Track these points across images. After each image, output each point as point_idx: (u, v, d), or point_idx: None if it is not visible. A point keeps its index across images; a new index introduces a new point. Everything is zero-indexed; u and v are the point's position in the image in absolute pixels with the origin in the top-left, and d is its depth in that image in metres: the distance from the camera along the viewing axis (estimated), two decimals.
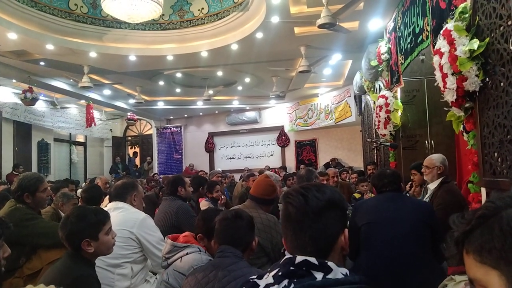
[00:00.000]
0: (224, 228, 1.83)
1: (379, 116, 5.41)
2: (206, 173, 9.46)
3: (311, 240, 1.02)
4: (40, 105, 10.65)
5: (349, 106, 10.34)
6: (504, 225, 0.60)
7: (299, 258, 1.00)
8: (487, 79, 2.56)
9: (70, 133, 13.10)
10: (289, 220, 1.07)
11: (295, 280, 0.96)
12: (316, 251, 1.01)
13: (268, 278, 1.02)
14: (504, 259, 0.59)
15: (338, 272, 0.97)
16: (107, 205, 2.65)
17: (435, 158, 3.54)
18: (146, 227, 2.51)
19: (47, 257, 2.53)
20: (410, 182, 4.20)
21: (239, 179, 9.17)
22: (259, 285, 1.02)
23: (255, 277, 1.07)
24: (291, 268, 0.99)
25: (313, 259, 0.98)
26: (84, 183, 9.73)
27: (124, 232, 2.38)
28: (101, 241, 1.85)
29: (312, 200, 1.04)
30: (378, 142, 5.42)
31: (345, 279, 0.95)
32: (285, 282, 0.97)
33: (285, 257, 1.04)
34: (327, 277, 0.95)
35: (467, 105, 2.81)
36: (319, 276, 0.95)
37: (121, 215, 2.48)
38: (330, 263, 0.98)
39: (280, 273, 1.00)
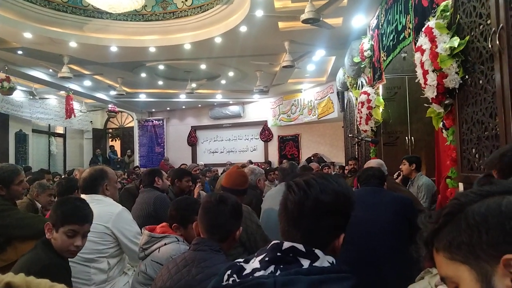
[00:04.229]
0: (205, 212, 1.71)
1: (361, 112, 5.46)
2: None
3: (304, 235, 1.01)
4: (18, 95, 10.40)
5: (332, 102, 10.40)
6: (470, 220, 0.61)
7: (286, 244, 0.99)
8: (467, 76, 2.61)
9: (49, 124, 12.82)
10: (286, 210, 1.05)
11: (281, 266, 0.96)
12: (307, 242, 1.00)
13: (255, 263, 1.00)
14: (472, 253, 0.60)
15: (325, 260, 0.96)
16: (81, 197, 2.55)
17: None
18: (122, 221, 2.42)
19: (22, 248, 2.46)
20: (398, 171, 4.33)
21: (222, 173, 9.15)
22: (245, 269, 1.01)
23: (242, 260, 1.06)
24: (278, 254, 0.98)
25: (300, 246, 0.98)
26: (64, 175, 9.55)
27: (99, 227, 2.30)
28: (58, 236, 1.79)
29: (312, 200, 0.99)
30: (360, 138, 5.47)
31: (331, 268, 0.95)
32: (272, 268, 0.96)
33: (272, 242, 1.03)
34: (313, 264, 0.95)
35: (447, 101, 2.87)
36: (305, 263, 0.95)
37: (97, 209, 2.40)
38: (317, 251, 0.97)
39: (266, 259, 0.99)
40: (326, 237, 1.02)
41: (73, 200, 1.93)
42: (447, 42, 2.66)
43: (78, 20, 6.74)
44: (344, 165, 8.84)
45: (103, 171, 2.63)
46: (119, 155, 15.13)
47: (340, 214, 1.03)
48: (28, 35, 6.51)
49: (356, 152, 6.85)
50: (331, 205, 1.01)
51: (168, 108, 14.59)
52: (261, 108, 13.52)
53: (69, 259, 1.90)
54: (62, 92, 10.74)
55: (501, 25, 2.16)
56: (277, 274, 0.94)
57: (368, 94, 5.27)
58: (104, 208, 2.42)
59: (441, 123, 3.11)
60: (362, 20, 5.81)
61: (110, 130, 16.06)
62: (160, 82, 10.44)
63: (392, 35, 4.48)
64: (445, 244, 0.65)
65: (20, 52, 7.46)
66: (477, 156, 2.57)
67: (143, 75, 9.57)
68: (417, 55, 3.02)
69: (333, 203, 1.01)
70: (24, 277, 0.99)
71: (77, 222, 1.82)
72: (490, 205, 0.61)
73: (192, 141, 14.60)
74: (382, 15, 5.01)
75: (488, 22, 2.32)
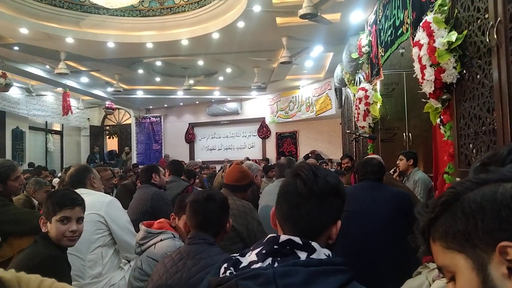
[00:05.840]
0: (195, 211, 1.71)
1: (359, 109, 5.45)
2: (186, 164, 9.38)
3: (307, 217, 1.02)
4: (15, 92, 10.35)
5: (330, 99, 10.40)
6: (466, 208, 0.61)
7: (283, 237, 1.00)
8: (464, 71, 2.60)
9: (46, 121, 12.79)
10: (291, 194, 1.05)
11: (278, 258, 0.96)
12: (306, 229, 1.01)
13: (252, 256, 1.01)
14: (468, 241, 0.60)
15: (321, 252, 0.98)
16: None
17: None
18: (113, 209, 2.51)
19: (18, 244, 2.46)
20: (395, 168, 4.32)
21: (219, 170, 9.15)
22: (241, 262, 1.01)
23: (237, 254, 1.06)
24: (275, 246, 0.99)
25: (297, 239, 0.99)
26: (60, 173, 9.53)
27: (93, 216, 2.34)
28: (52, 225, 1.82)
29: (322, 181, 1.04)
30: (357, 134, 5.47)
31: (328, 260, 0.96)
32: (269, 260, 0.97)
33: (269, 236, 1.04)
34: (310, 257, 0.96)
35: (444, 96, 2.85)
36: (303, 255, 0.96)
37: (88, 200, 2.41)
38: (314, 244, 0.98)
39: (264, 251, 0.99)
40: (327, 220, 1.05)
41: (61, 190, 1.99)
42: (444, 37, 2.65)
43: (74, 15, 6.70)
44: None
45: (87, 166, 2.81)
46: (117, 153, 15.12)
47: (341, 198, 1.08)
48: (24, 30, 6.46)
49: (354, 149, 6.84)
50: (335, 188, 1.06)
51: (165, 105, 14.56)
52: (259, 105, 13.50)
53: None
54: (59, 89, 10.71)
55: (498, 19, 2.15)
56: (275, 265, 0.94)
57: (366, 90, 5.26)
58: (95, 198, 2.48)
59: (439, 118, 3.10)
60: (360, 16, 5.79)
61: (108, 127, 16.03)
62: (158, 79, 10.41)
63: (390, 31, 4.46)
64: (441, 233, 0.65)
65: (16, 48, 7.41)
66: (474, 151, 2.57)
67: (140, 71, 9.54)
68: (415, 50, 3.01)
69: (337, 186, 1.07)
70: (15, 273, 0.98)
71: (67, 206, 1.85)
72: (486, 193, 0.61)
73: (189, 138, 14.57)
74: (380, 10, 4.99)
75: (486, 16, 2.31)
